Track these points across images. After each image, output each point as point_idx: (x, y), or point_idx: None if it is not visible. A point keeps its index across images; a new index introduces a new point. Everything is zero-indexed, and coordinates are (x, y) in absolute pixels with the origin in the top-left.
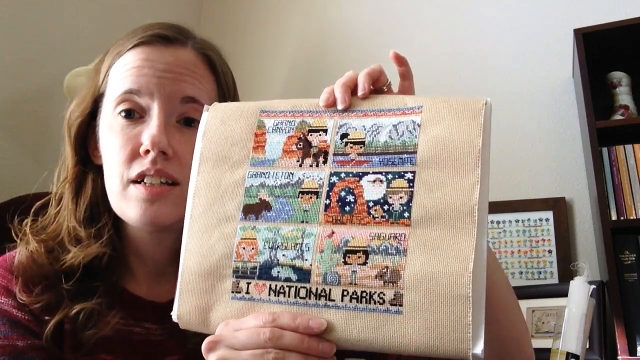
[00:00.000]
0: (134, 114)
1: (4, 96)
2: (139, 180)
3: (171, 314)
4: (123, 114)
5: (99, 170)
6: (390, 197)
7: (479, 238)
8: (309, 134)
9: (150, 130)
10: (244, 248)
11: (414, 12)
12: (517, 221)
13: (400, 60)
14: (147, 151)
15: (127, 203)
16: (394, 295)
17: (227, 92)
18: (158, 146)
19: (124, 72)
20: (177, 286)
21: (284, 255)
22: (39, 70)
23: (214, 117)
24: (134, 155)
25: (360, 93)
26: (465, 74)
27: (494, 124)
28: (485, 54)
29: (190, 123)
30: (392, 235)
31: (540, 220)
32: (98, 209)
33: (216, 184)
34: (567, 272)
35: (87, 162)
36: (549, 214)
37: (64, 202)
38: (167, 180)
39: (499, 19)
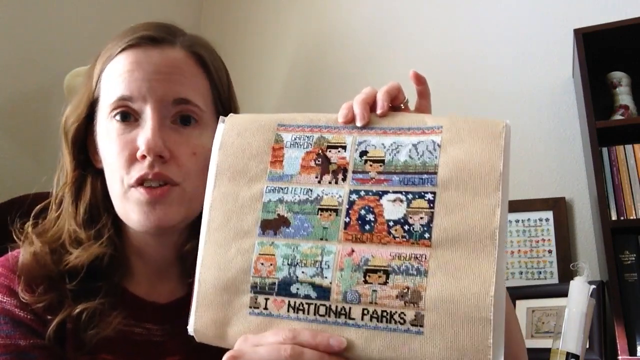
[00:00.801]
0: (129, 117)
1: (4, 96)
2: (139, 184)
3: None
4: (118, 117)
5: (98, 173)
6: (411, 218)
7: (499, 261)
8: (328, 150)
9: (145, 134)
10: (262, 264)
11: (414, 12)
12: (517, 221)
13: (419, 79)
14: (144, 156)
15: (130, 207)
16: (415, 315)
17: (221, 88)
18: (154, 151)
19: (115, 77)
20: (193, 299)
21: (303, 272)
22: (39, 70)
23: (231, 129)
24: (132, 159)
25: (379, 111)
26: (465, 74)
27: None
28: (485, 54)
29: (186, 122)
30: (413, 255)
31: (540, 220)
32: (97, 211)
33: (233, 197)
34: (567, 272)
35: (86, 166)
36: (549, 214)
37: (64, 206)
38: (166, 182)
39: (499, 19)
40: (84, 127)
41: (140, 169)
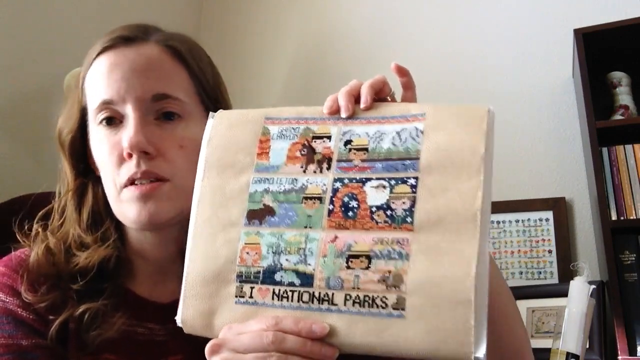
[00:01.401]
0: (114, 121)
1: (4, 96)
2: (130, 183)
3: (175, 318)
4: (104, 122)
5: (98, 180)
6: (393, 203)
7: (481, 242)
8: (313, 140)
9: (127, 133)
10: (247, 253)
11: (414, 12)
12: (517, 221)
13: (402, 71)
14: (130, 154)
15: (124, 206)
16: (397, 299)
17: (203, 79)
18: (137, 147)
19: (95, 82)
20: (181, 291)
21: (287, 259)
22: (39, 70)
23: (219, 123)
24: (120, 160)
25: (362, 106)
26: (465, 74)
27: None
28: (485, 54)
29: (170, 117)
30: (395, 240)
31: (540, 220)
32: (100, 216)
33: (221, 190)
34: (567, 272)
35: (87, 173)
36: (549, 214)
37: (68, 213)
38: (156, 179)
39: (499, 19)
40: (80, 136)
41: (129, 169)
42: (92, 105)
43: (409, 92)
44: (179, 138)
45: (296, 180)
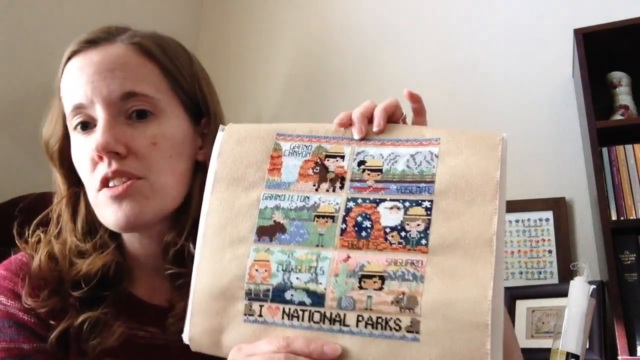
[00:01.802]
0: (88, 126)
1: (4, 96)
2: (105, 186)
3: (182, 335)
4: (79, 127)
5: None
6: (408, 224)
7: (497, 267)
8: (326, 159)
9: (95, 135)
10: (256, 270)
11: (414, 13)
12: (517, 221)
13: (414, 98)
14: (101, 157)
15: (102, 210)
16: (411, 322)
17: (178, 74)
18: (105, 149)
19: (67, 88)
20: (188, 307)
21: (297, 278)
22: (39, 70)
23: (230, 137)
24: (94, 164)
25: (375, 129)
26: (465, 75)
27: (493, 125)
28: (485, 54)
29: (142, 116)
30: (409, 261)
31: (540, 220)
32: (94, 224)
33: (230, 204)
34: (567, 272)
35: (79, 182)
36: (549, 214)
37: (63, 223)
38: (128, 178)
39: (499, 19)
40: (67, 145)
41: (101, 170)
42: (67, 111)
43: (420, 118)
44: (151, 136)
45: (308, 198)
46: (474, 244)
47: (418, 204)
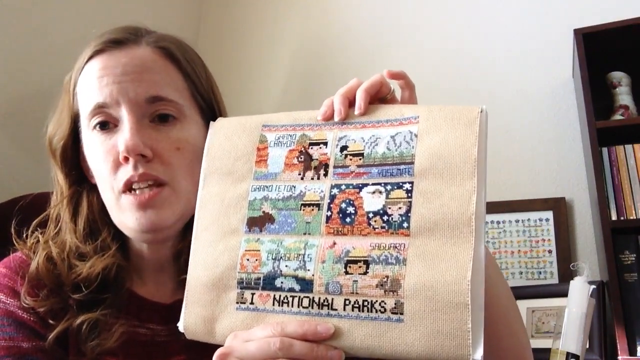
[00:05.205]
0: (108, 125)
1: (4, 96)
2: (128, 189)
3: (177, 324)
4: (98, 127)
5: (93, 188)
6: (390, 208)
7: (476, 246)
8: (310, 147)
9: (123, 136)
10: (247, 259)
11: (414, 13)
12: (517, 221)
13: (397, 76)
14: (127, 158)
15: (123, 214)
16: (395, 304)
17: (196, 80)
18: (134, 151)
19: (87, 87)
20: (184, 297)
21: (286, 266)
22: (39, 71)
23: (218, 132)
24: (116, 165)
25: (356, 112)
26: (465, 74)
27: (493, 125)
28: (485, 54)
29: (165, 119)
30: (392, 245)
31: (540, 220)
32: (96, 225)
33: (220, 198)
34: (567, 272)
35: (81, 182)
36: (549, 214)
37: (63, 223)
38: (154, 182)
39: (499, 19)
40: (72, 143)
41: (125, 172)
42: (85, 110)
43: (407, 92)
44: (175, 140)
45: (294, 187)
46: (454, 225)
47: (399, 186)
